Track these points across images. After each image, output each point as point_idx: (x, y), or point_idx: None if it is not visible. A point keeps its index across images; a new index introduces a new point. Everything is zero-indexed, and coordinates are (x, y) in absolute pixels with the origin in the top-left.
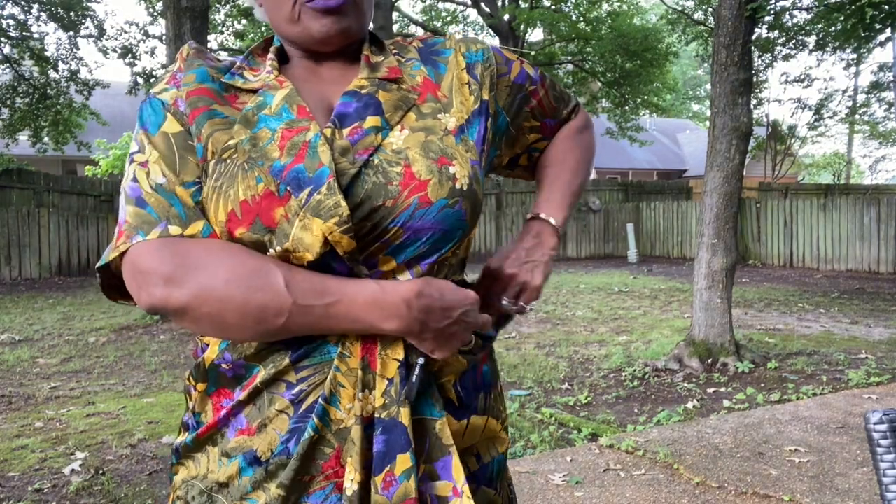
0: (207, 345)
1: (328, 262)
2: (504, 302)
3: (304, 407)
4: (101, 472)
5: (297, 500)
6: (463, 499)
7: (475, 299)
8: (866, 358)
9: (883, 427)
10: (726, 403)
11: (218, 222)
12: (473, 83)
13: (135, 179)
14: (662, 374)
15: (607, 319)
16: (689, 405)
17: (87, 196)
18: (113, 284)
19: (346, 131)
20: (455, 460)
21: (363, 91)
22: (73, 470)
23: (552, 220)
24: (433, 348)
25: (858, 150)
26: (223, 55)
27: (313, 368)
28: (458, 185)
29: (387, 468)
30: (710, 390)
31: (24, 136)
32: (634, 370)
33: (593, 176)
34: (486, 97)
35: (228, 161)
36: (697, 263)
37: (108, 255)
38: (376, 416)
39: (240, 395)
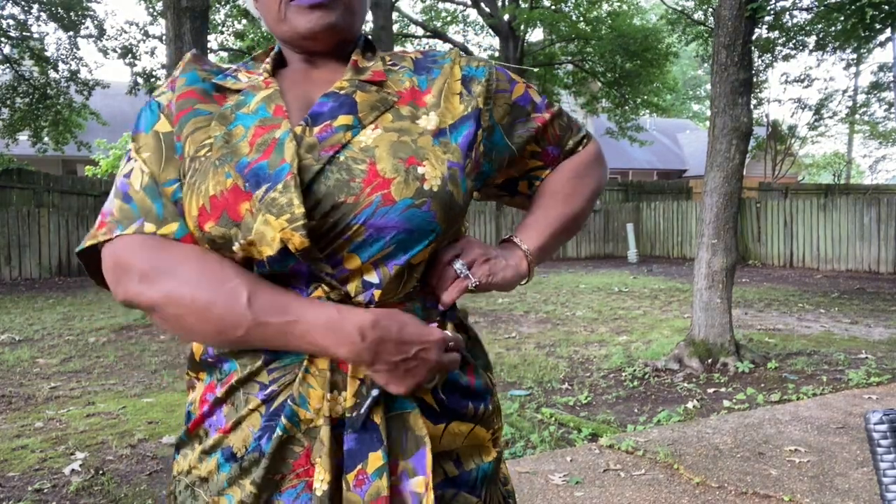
0: None
1: (288, 258)
2: (457, 265)
3: (274, 405)
4: (101, 472)
5: (268, 497)
6: (427, 493)
7: (440, 338)
8: (866, 358)
9: (883, 427)
10: (726, 403)
11: (191, 217)
12: (466, 94)
13: (126, 175)
14: (662, 374)
15: (607, 319)
16: (689, 405)
17: (87, 196)
18: (96, 269)
19: (316, 129)
20: (427, 452)
21: (342, 92)
22: (73, 470)
23: (524, 246)
24: (387, 381)
25: (858, 150)
26: (223, 55)
27: (284, 369)
28: (426, 186)
29: (358, 466)
30: (710, 390)
31: (24, 136)
32: (634, 370)
33: None
34: (479, 106)
35: (203, 158)
36: (697, 263)
37: (86, 241)
38: (347, 415)
39: (219, 390)
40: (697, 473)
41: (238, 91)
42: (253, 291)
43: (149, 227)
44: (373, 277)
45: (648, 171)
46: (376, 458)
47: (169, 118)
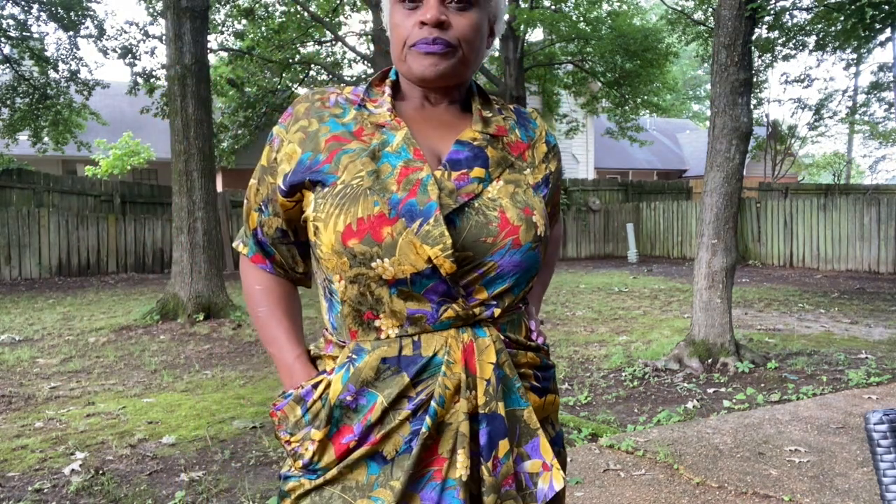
0: (319, 383)
1: (430, 279)
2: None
3: (421, 411)
4: (101, 472)
5: (406, 489)
6: (553, 471)
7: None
8: (866, 358)
9: (883, 427)
10: (726, 403)
11: (335, 232)
12: (548, 156)
13: (253, 191)
14: (662, 374)
15: (607, 319)
16: (689, 405)
17: (87, 196)
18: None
19: (454, 175)
20: (542, 440)
21: (475, 143)
22: (73, 470)
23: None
24: None
25: (858, 150)
26: (223, 55)
27: (429, 380)
28: (538, 232)
29: (493, 453)
30: (710, 390)
31: (24, 136)
32: (634, 370)
33: (593, 176)
34: (553, 169)
35: (355, 185)
36: (697, 263)
37: (237, 244)
38: (480, 411)
39: (359, 429)
40: (697, 473)
41: (378, 126)
42: (259, 324)
43: (244, 249)
44: (493, 302)
45: (648, 171)
46: (504, 445)
47: (273, 148)
